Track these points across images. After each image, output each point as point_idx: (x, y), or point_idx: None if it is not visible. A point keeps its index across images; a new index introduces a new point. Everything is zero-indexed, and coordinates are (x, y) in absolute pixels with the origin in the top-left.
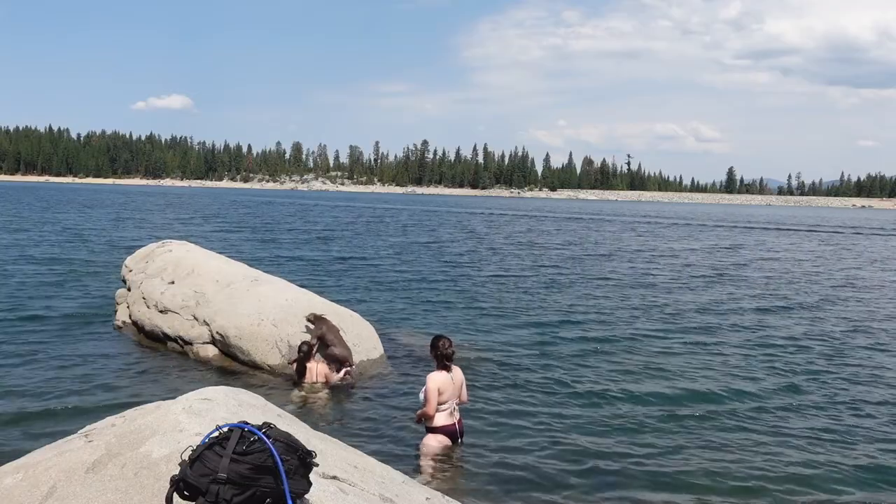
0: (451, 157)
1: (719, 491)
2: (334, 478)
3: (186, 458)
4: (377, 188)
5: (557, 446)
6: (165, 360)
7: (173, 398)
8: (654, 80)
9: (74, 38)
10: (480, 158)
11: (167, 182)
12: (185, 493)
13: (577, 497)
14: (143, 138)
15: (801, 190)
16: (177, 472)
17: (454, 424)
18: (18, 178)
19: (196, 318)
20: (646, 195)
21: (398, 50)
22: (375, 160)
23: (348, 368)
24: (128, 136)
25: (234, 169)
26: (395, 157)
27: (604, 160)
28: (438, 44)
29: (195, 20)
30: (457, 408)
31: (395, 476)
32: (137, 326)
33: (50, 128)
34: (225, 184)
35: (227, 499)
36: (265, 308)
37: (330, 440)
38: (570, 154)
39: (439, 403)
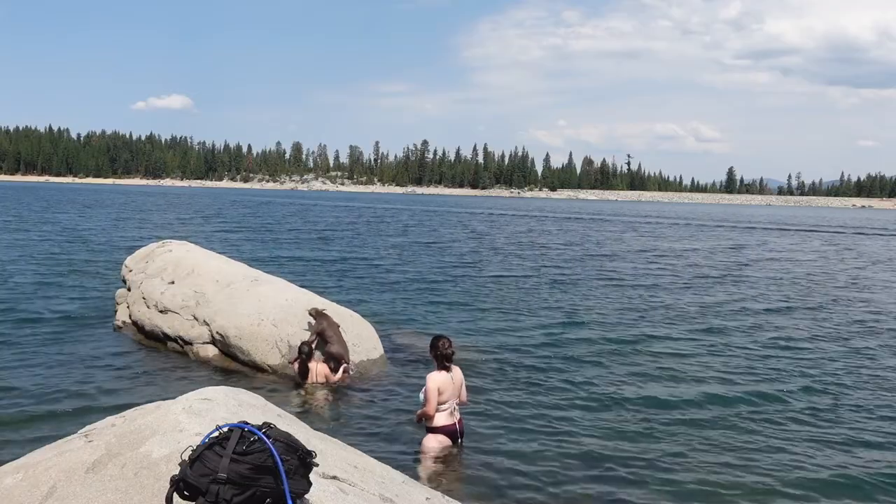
0: (451, 157)
1: (722, 495)
2: (334, 478)
3: (186, 458)
4: (377, 188)
5: (558, 447)
6: (165, 360)
7: (173, 398)
8: (654, 80)
9: (74, 38)
10: (480, 158)
11: (167, 182)
12: (185, 493)
13: (577, 497)
14: (143, 138)
15: (801, 190)
16: (177, 472)
17: (454, 424)
18: (18, 178)
19: (196, 318)
20: (646, 195)
21: (398, 50)
22: (375, 160)
23: (346, 366)
24: (128, 136)
25: (234, 169)
26: (395, 157)
27: (604, 160)
28: (438, 44)
29: (195, 20)
30: (457, 408)
31: (395, 476)
32: (137, 326)
33: (50, 128)
34: (225, 184)
35: (227, 499)
36: (265, 308)
37: (330, 440)
38: (570, 154)
39: (439, 403)
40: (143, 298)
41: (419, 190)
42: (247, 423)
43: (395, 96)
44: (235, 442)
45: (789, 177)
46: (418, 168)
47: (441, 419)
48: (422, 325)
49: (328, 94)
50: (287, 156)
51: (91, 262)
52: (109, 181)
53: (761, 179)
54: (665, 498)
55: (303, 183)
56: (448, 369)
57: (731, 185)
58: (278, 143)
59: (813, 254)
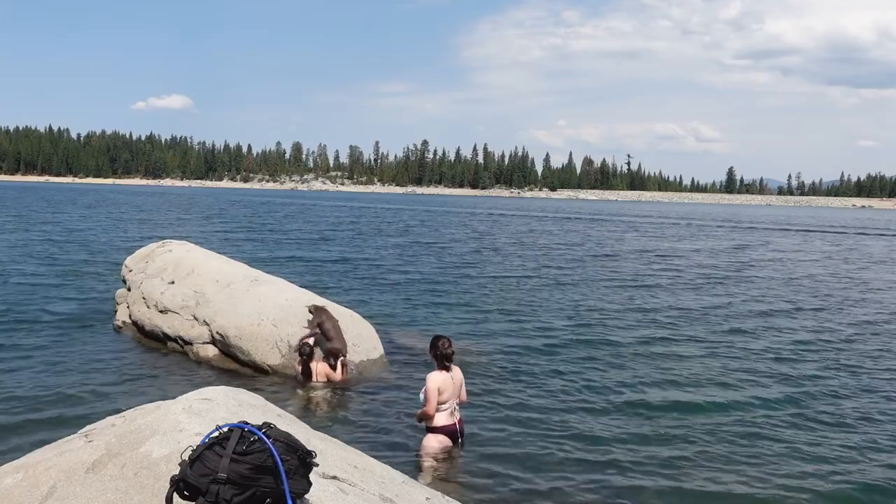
0: (451, 157)
1: (724, 499)
2: (334, 478)
3: (186, 458)
4: (377, 188)
5: (559, 447)
6: (165, 360)
7: (173, 398)
8: (654, 80)
9: (74, 38)
10: (480, 158)
11: (167, 182)
12: (185, 493)
13: (577, 498)
14: (143, 138)
15: (801, 190)
16: (177, 472)
17: (454, 424)
18: (18, 178)
19: (196, 318)
20: (646, 195)
21: (398, 50)
22: (375, 160)
23: (343, 359)
24: (128, 136)
25: (234, 169)
26: (395, 157)
27: (604, 160)
28: (438, 44)
29: (195, 20)
30: (457, 408)
31: (395, 476)
32: (137, 326)
33: (50, 128)
34: (225, 184)
35: (227, 499)
36: (265, 308)
37: (330, 440)
38: (570, 154)
39: (439, 403)
40: (143, 298)
41: (419, 190)
42: (247, 423)
43: (395, 96)
44: (235, 442)
45: (789, 177)
46: (418, 168)
47: (441, 419)
48: (422, 325)
49: (328, 94)
50: (287, 156)
51: (91, 262)
52: (109, 181)
53: (761, 179)
54: (666, 501)
55: (303, 183)
56: (448, 369)
57: (731, 185)
58: (278, 143)
59: (817, 254)
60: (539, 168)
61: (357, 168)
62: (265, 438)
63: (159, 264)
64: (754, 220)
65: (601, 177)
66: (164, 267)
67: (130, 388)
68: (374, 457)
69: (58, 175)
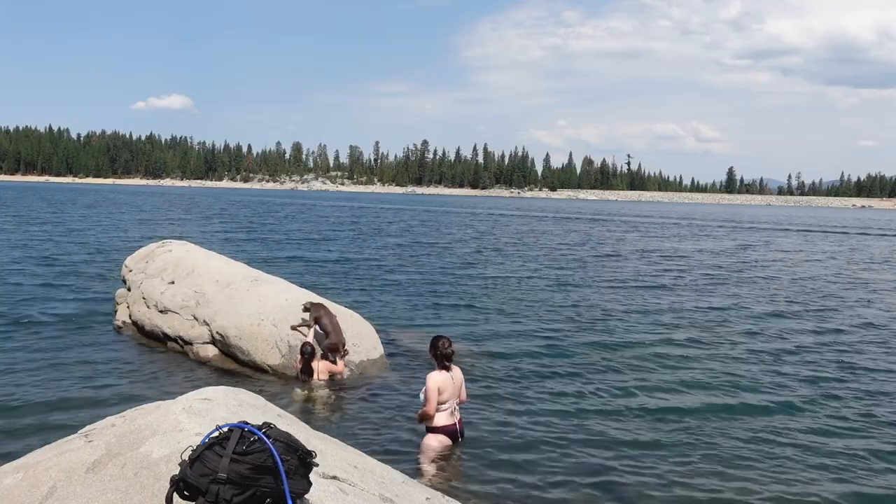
0: (451, 157)
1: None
2: (334, 478)
3: (186, 458)
4: (377, 188)
5: (558, 447)
6: (165, 360)
7: (173, 398)
8: (654, 80)
9: (74, 38)
10: (480, 158)
11: (167, 182)
12: (185, 493)
13: (577, 498)
14: (143, 138)
15: (801, 190)
16: (177, 472)
17: (455, 424)
18: (18, 178)
19: (196, 318)
20: (646, 195)
21: (398, 50)
22: (375, 160)
23: (343, 351)
24: (128, 136)
25: (234, 169)
26: (395, 157)
27: (604, 160)
28: (438, 44)
29: (195, 20)
30: (457, 407)
31: (395, 476)
32: (137, 326)
33: (50, 128)
34: (225, 184)
35: (227, 499)
36: (265, 308)
37: (330, 440)
38: (570, 154)
39: (439, 403)
40: (143, 298)
41: (419, 190)
42: (247, 423)
43: (395, 96)
44: (235, 442)
45: (789, 177)
46: (418, 168)
47: (441, 419)
48: (422, 325)
49: (328, 94)
50: (287, 156)
51: (91, 262)
52: (109, 181)
53: (761, 179)
54: (666, 501)
55: (303, 183)
56: (448, 369)
57: (731, 185)
58: (278, 143)
59: (820, 255)
60: (539, 168)
61: (357, 168)
62: (265, 438)
63: (159, 264)
64: (755, 221)
65: (601, 177)
66: (164, 267)
67: (130, 388)
68: (374, 457)
69: (58, 175)
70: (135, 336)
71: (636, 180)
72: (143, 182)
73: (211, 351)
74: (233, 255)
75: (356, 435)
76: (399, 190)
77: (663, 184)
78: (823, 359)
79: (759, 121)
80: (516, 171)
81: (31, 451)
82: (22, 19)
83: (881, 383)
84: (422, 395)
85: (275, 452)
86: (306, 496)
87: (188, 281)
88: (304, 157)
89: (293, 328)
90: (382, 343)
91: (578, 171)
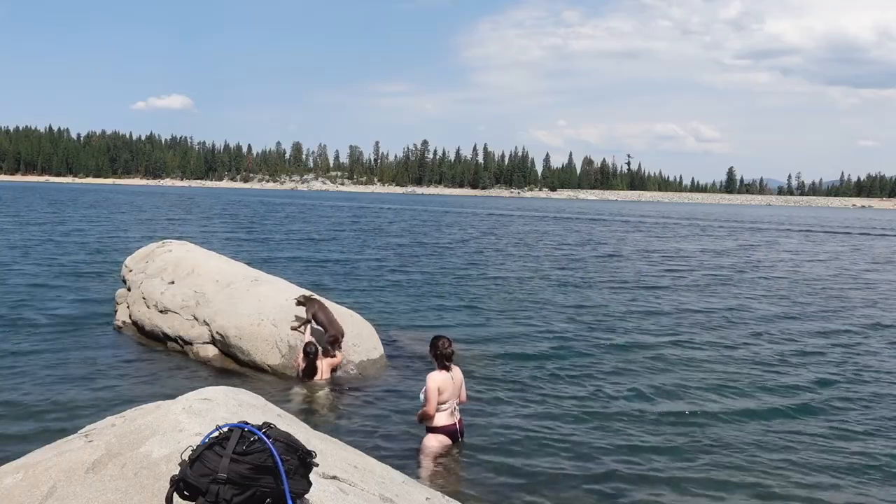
0: (451, 157)
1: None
2: (334, 478)
3: (186, 458)
4: (377, 188)
5: (559, 447)
6: (165, 360)
7: (173, 398)
8: (654, 80)
9: (74, 38)
10: (480, 158)
11: (167, 182)
12: (185, 493)
13: (577, 498)
14: (143, 138)
15: (801, 190)
16: (177, 472)
17: (455, 424)
18: (18, 178)
19: (196, 318)
20: (646, 195)
21: (398, 50)
22: (375, 160)
23: (340, 342)
24: (128, 136)
25: (234, 169)
26: (395, 157)
27: (604, 160)
28: (438, 44)
29: (195, 20)
30: (457, 408)
31: (395, 476)
32: (137, 326)
33: (50, 128)
34: (225, 184)
35: (227, 499)
36: (265, 308)
37: (330, 440)
38: (570, 154)
39: (439, 403)
40: (143, 298)
41: (419, 190)
42: (247, 423)
43: (395, 96)
44: (235, 442)
45: (789, 177)
46: (418, 168)
47: (441, 419)
48: (422, 325)
49: (328, 94)
50: (287, 156)
51: (91, 262)
52: (109, 181)
53: (761, 179)
54: (667, 501)
55: (303, 183)
56: (448, 369)
57: (731, 185)
58: (278, 143)
59: (822, 255)
60: (539, 168)
61: (357, 168)
62: (265, 438)
63: (159, 264)
64: (756, 221)
65: (601, 177)
66: (164, 267)
67: (130, 388)
68: (374, 457)
69: (58, 175)
70: (135, 336)
71: (636, 180)
72: (143, 182)
73: (211, 351)
74: (233, 255)
75: (356, 435)
76: (399, 190)
77: (663, 184)
78: (830, 360)
79: (759, 121)
80: (516, 171)
81: (31, 451)
82: (22, 19)
83: (891, 385)
84: (422, 396)
85: (275, 452)
86: (306, 496)
87: (188, 281)
88: (304, 157)
89: (293, 329)
90: (382, 343)
91: (578, 171)
